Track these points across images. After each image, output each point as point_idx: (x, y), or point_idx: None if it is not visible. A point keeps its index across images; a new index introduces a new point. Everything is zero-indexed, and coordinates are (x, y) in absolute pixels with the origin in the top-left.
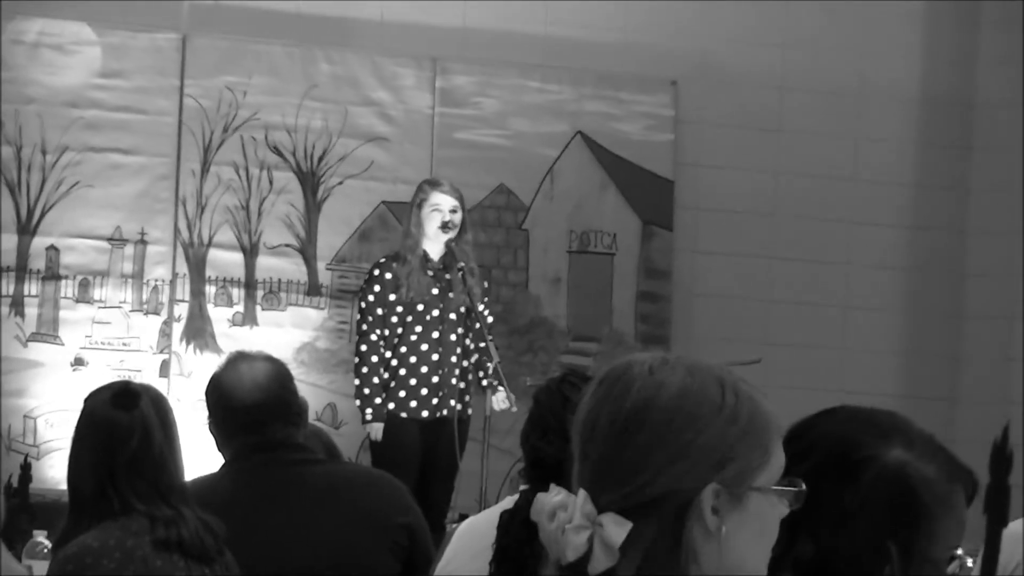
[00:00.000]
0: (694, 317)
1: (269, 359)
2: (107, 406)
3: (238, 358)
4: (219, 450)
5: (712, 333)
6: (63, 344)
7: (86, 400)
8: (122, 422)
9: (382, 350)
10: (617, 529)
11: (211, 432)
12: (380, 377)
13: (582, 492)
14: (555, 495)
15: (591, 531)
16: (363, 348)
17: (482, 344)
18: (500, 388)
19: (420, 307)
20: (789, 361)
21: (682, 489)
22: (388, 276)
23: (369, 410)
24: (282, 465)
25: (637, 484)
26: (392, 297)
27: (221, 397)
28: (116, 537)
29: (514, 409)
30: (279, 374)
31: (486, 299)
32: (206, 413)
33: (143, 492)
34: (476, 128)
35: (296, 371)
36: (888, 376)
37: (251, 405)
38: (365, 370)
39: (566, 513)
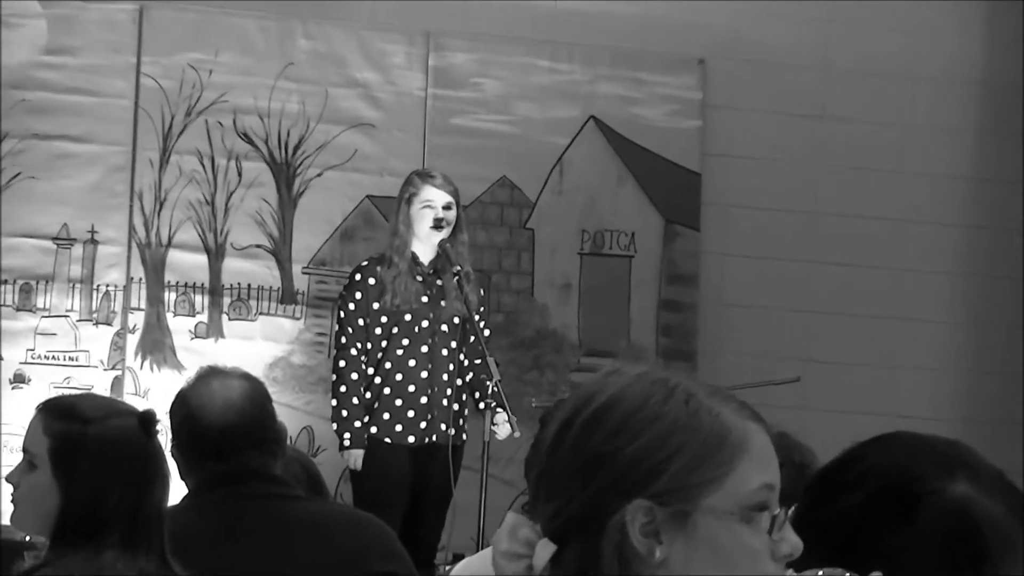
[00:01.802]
0: (723, 329)
1: (245, 377)
2: (140, 434)
3: (210, 374)
4: (182, 478)
5: (744, 348)
6: (1, 358)
7: (92, 423)
8: (158, 453)
9: (363, 366)
10: (542, 553)
11: (174, 457)
12: (361, 397)
13: (510, 515)
14: (509, 520)
15: (529, 559)
16: (341, 364)
17: (479, 360)
18: (500, 411)
19: (408, 317)
20: (832, 380)
21: (606, 506)
22: (372, 281)
23: (347, 435)
24: (255, 499)
25: (560, 503)
26: (376, 305)
27: (188, 417)
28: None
29: (517, 435)
30: (256, 394)
31: (483, 308)
32: (169, 435)
33: (158, 532)
34: (475, 113)
35: (268, 389)
36: (946, 397)
37: (223, 428)
38: (343, 389)
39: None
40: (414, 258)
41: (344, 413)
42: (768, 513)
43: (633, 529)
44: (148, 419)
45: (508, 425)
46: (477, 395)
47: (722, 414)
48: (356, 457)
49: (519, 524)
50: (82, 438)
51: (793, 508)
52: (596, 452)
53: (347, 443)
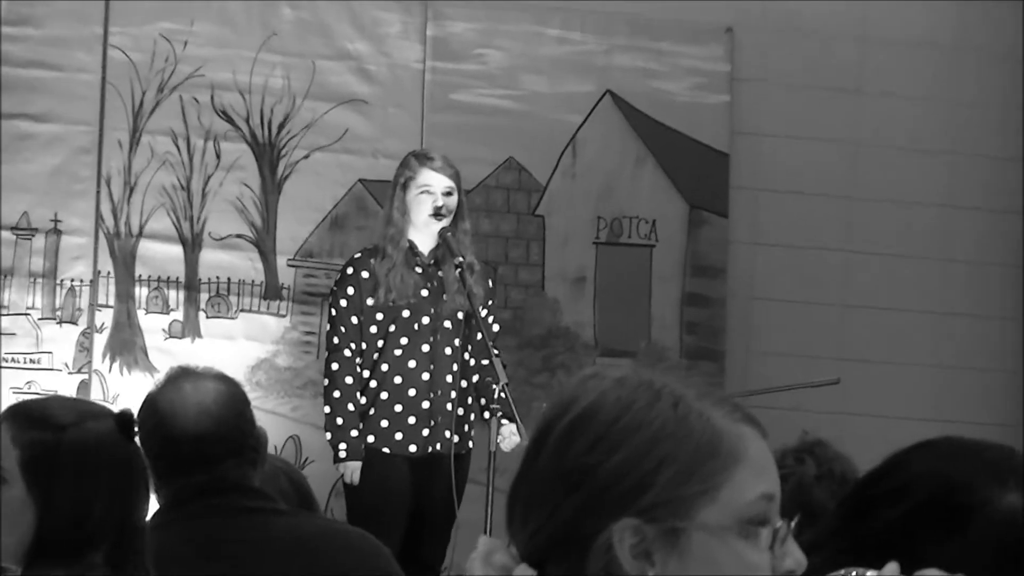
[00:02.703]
0: (754, 327)
1: (221, 379)
2: (120, 437)
3: (181, 376)
4: (153, 492)
5: (777, 347)
6: None
7: (68, 429)
8: (139, 458)
9: (359, 368)
10: None
11: None
12: (356, 403)
13: (483, 539)
14: (482, 544)
15: None
16: (334, 366)
17: (486, 361)
18: (507, 421)
19: (406, 314)
20: (874, 382)
21: (589, 526)
22: (366, 275)
23: (343, 445)
24: (233, 513)
25: (538, 523)
26: (371, 301)
27: (159, 425)
28: None
29: (526, 443)
30: (233, 398)
31: (490, 303)
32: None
33: (143, 547)
34: (478, 88)
35: (250, 394)
36: (997, 400)
37: (197, 436)
38: (337, 394)
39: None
40: (412, 248)
41: (339, 421)
42: (769, 527)
43: (622, 551)
44: (126, 420)
45: (516, 435)
46: (483, 400)
47: (713, 418)
48: (353, 470)
49: (493, 549)
50: (58, 446)
51: (795, 521)
52: (575, 466)
53: (343, 455)
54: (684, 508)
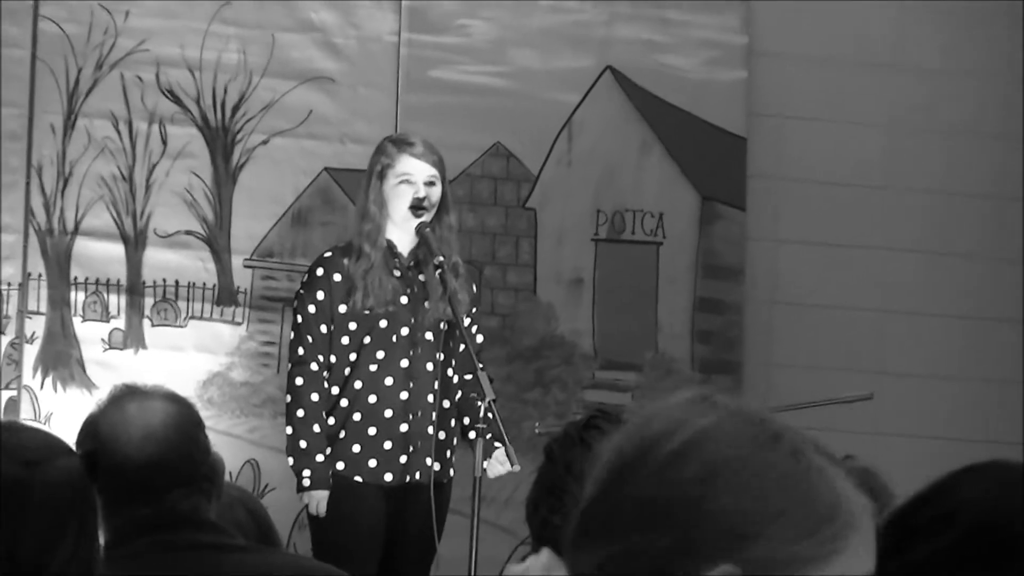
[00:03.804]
0: (776, 335)
1: (171, 398)
2: (85, 475)
3: (126, 395)
4: None
5: (801, 358)
6: None
7: (39, 466)
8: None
9: (326, 385)
10: None
11: None
12: (323, 424)
13: (546, 553)
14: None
15: None
16: (299, 382)
17: (470, 375)
18: (497, 444)
19: (383, 323)
20: (911, 397)
21: (680, 564)
22: (337, 277)
23: (307, 472)
24: (184, 550)
25: (614, 550)
26: (342, 308)
27: (99, 450)
28: None
29: (516, 469)
30: (185, 421)
31: (475, 310)
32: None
33: None
34: (461, 63)
35: (202, 414)
36: None
37: (143, 463)
38: (301, 413)
39: None
40: (390, 247)
41: (303, 444)
42: None
43: None
44: (92, 457)
45: (505, 458)
46: (467, 420)
47: (834, 479)
48: (319, 500)
49: (553, 565)
50: (29, 485)
51: None
52: (678, 497)
53: (307, 483)
54: (792, 568)
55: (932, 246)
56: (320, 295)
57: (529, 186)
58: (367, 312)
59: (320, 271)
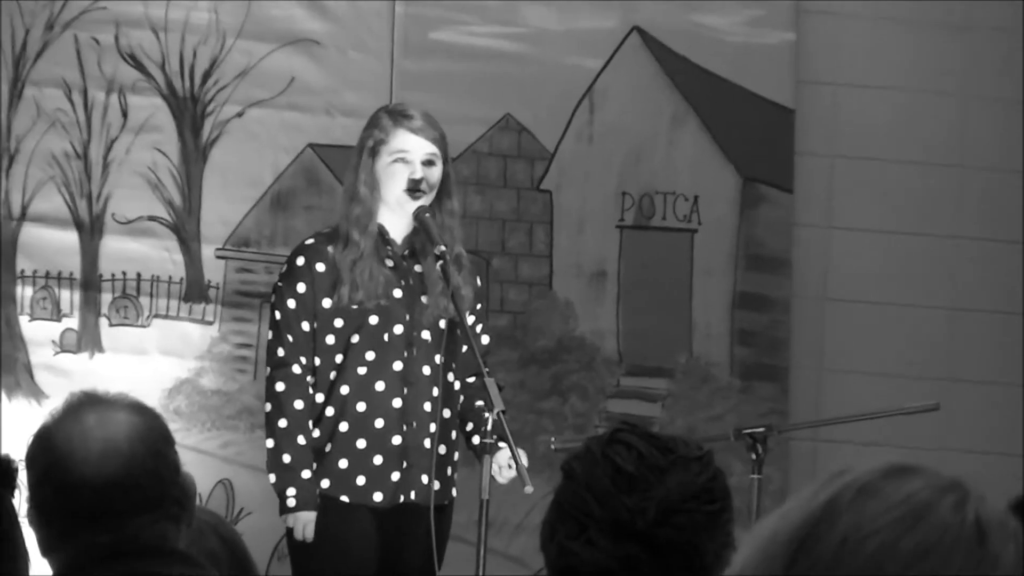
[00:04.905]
0: (828, 336)
1: (136, 409)
2: None
3: (84, 404)
4: (45, 555)
5: (856, 362)
6: None
7: None
8: (14, 518)
9: (311, 391)
10: None
11: (32, 525)
12: (308, 435)
13: None
14: None
15: None
16: (280, 388)
17: (471, 379)
18: (503, 446)
19: (374, 320)
20: (983, 407)
21: None
22: (322, 268)
23: (292, 490)
24: None
25: None
26: (327, 303)
27: (54, 467)
28: None
29: (529, 489)
30: (151, 434)
31: (479, 306)
32: (25, 493)
33: None
34: (465, 24)
35: (168, 427)
36: None
37: (103, 483)
38: (284, 424)
39: None
40: (382, 234)
41: (286, 459)
42: None
43: None
44: (5, 470)
45: (512, 465)
46: (470, 425)
47: None
48: (306, 523)
49: None
50: None
51: None
52: None
53: (292, 503)
54: None
55: (1009, 234)
56: (301, 288)
57: (544, 165)
58: (356, 307)
59: (301, 260)
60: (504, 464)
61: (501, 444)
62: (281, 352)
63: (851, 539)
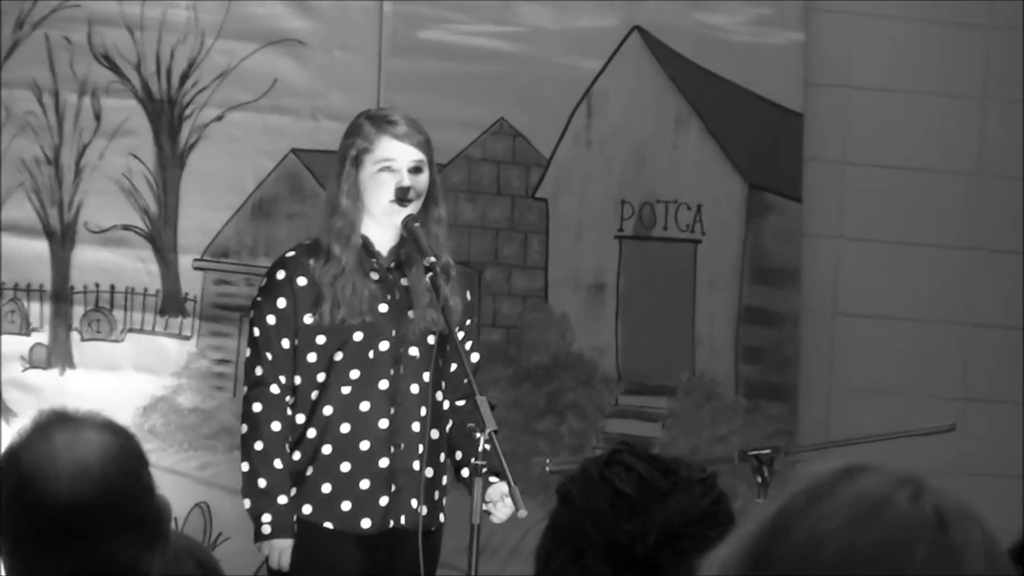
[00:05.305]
0: (838, 352)
1: (109, 428)
2: None
3: (54, 423)
4: None
5: (868, 380)
6: None
7: None
8: None
9: (290, 412)
10: None
11: None
12: (287, 459)
13: None
14: None
15: None
16: (256, 408)
17: (462, 401)
18: (497, 479)
19: (358, 336)
20: (1001, 428)
21: None
22: (303, 282)
23: (267, 517)
24: None
25: None
26: (309, 319)
27: (22, 489)
28: None
29: (523, 514)
30: (125, 455)
31: (469, 321)
32: None
33: None
34: (456, 23)
35: (142, 447)
36: None
37: (73, 505)
38: (260, 447)
39: None
40: (366, 246)
41: (262, 484)
42: None
43: None
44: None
45: (508, 500)
46: (459, 455)
47: None
48: (281, 551)
49: None
50: None
51: None
52: None
53: (267, 530)
54: None
55: None
56: (282, 303)
57: (540, 171)
58: (339, 323)
59: (281, 274)
60: (497, 499)
61: (493, 479)
62: (259, 371)
63: (807, 546)
